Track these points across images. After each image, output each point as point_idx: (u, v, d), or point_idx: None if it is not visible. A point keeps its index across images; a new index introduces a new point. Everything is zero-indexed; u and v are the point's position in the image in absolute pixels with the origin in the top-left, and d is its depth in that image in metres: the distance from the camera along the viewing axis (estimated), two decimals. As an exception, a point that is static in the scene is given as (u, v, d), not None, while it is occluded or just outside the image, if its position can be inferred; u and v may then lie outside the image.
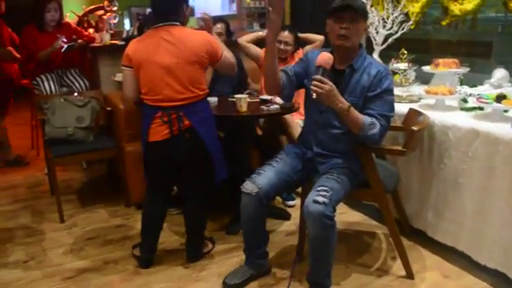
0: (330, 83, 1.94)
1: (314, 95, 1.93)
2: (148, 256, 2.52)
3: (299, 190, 2.43)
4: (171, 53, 2.25)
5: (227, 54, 2.44)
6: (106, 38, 4.15)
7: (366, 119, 2.03)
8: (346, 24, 2.04)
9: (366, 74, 2.11)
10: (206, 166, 2.42)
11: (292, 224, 2.95)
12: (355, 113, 2.01)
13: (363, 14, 2.10)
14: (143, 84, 2.31)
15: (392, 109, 2.13)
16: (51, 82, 3.87)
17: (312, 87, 1.93)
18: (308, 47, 3.45)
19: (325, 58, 1.97)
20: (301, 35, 3.45)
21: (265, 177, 2.18)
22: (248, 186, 2.16)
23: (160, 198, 2.50)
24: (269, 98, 2.86)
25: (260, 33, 3.62)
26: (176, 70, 2.25)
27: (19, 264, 2.59)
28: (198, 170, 2.44)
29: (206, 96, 2.41)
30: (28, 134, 4.87)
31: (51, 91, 3.81)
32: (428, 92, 2.64)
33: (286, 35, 3.28)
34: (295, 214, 2.98)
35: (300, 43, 3.46)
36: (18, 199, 3.55)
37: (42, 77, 3.87)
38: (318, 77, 1.93)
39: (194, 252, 2.57)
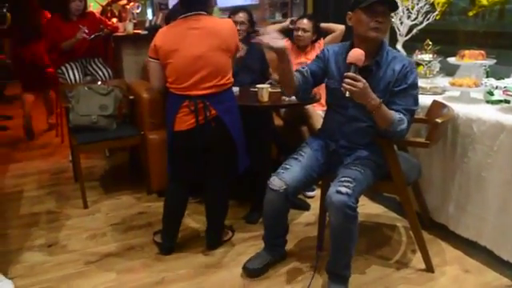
0: (363, 80, 1.89)
1: (348, 93, 1.89)
2: (169, 243, 2.56)
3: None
4: (199, 42, 2.27)
5: None
6: (129, 27, 4.19)
7: (396, 115, 2.00)
8: (381, 18, 2.01)
9: (391, 69, 2.08)
10: (230, 154, 2.45)
11: (311, 214, 2.96)
12: (386, 109, 1.98)
13: (396, 8, 2.07)
14: (171, 73, 2.33)
15: (416, 103, 2.12)
16: (75, 71, 3.93)
17: (345, 85, 1.88)
18: (328, 38, 3.42)
19: (356, 54, 1.93)
20: (322, 25, 3.42)
21: (292, 172, 2.16)
22: (275, 183, 2.15)
23: (183, 186, 2.53)
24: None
25: (285, 23, 3.60)
26: (204, 60, 2.27)
27: (44, 248, 2.66)
28: (222, 158, 2.47)
29: (231, 85, 2.43)
30: (53, 121, 4.99)
31: (75, 80, 3.88)
32: (453, 84, 2.60)
33: (304, 22, 3.27)
34: (315, 204, 2.98)
35: (321, 33, 3.43)
36: (43, 185, 3.64)
37: (67, 66, 3.94)
38: (351, 74, 1.89)
39: (213, 239, 2.60)
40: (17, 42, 4.53)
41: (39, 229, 2.89)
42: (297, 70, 2.20)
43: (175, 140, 2.41)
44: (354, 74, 1.89)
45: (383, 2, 1.99)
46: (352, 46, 2.11)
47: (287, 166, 2.20)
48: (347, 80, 1.88)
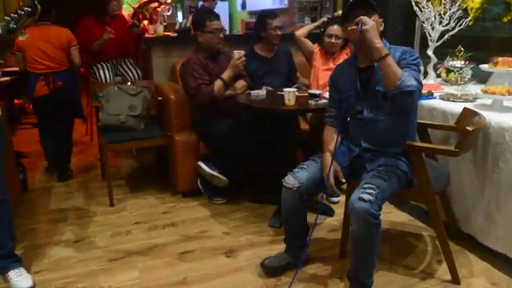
0: (373, 22, 1.95)
1: (359, 27, 1.94)
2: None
3: (344, 186, 2.40)
4: (47, 40, 3.48)
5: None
6: (159, 29, 4.24)
7: (404, 72, 1.97)
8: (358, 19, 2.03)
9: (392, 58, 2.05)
10: (72, 107, 3.76)
11: (335, 220, 2.93)
12: (393, 61, 1.96)
13: (375, 8, 2.07)
14: (30, 60, 3.50)
15: (419, 80, 2.04)
16: (106, 71, 4.02)
17: (357, 19, 1.95)
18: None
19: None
20: None
21: (307, 172, 2.18)
22: (289, 181, 2.17)
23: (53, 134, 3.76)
24: (317, 92, 2.84)
25: (315, 23, 3.59)
26: (50, 51, 3.50)
27: (70, 243, 2.72)
28: (68, 108, 3.73)
29: (66, 69, 3.61)
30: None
31: (106, 79, 3.96)
32: (485, 91, 2.53)
33: (335, 29, 3.23)
34: (339, 210, 2.95)
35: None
36: (71, 182, 3.73)
37: (98, 65, 4.04)
38: (363, 17, 1.95)
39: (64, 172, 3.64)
40: None
41: (66, 225, 2.96)
42: (327, 117, 2.34)
43: (36, 102, 3.61)
44: (365, 17, 1.95)
45: (358, 2, 2.04)
46: (356, 57, 2.17)
47: (303, 166, 2.23)
48: (358, 20, 1.95)
